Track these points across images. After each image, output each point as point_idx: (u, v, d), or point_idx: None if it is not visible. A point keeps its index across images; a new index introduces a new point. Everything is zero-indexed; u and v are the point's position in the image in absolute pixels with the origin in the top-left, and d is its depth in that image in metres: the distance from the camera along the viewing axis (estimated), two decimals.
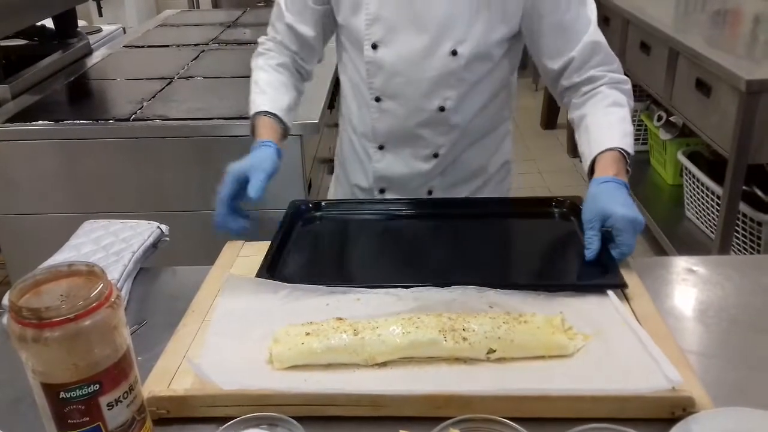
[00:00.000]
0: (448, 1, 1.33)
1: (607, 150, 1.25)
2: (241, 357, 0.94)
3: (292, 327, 0.96)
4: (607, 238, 1.16)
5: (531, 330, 0.95)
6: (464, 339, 0.92)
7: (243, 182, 1.23)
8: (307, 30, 1.45)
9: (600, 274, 1.12)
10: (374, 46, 1.37)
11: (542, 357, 0.94)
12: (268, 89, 1.42)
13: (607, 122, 1.30)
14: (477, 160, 1.52)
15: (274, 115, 1.39)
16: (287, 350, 0.93)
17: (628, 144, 1.26)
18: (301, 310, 1.01)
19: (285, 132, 1.41)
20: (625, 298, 1.06)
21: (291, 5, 1.45)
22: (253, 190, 1.20)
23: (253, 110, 1.41)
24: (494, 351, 0.93)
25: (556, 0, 1.32)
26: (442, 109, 1.40)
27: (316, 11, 1.44)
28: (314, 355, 0.92)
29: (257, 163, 1.25)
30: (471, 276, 1.10)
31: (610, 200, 1.17)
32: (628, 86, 1.37)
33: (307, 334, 0.94)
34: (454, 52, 1.35)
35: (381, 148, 1.49)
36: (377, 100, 1.43)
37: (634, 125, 1.34)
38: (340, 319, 0.97)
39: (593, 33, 1.35)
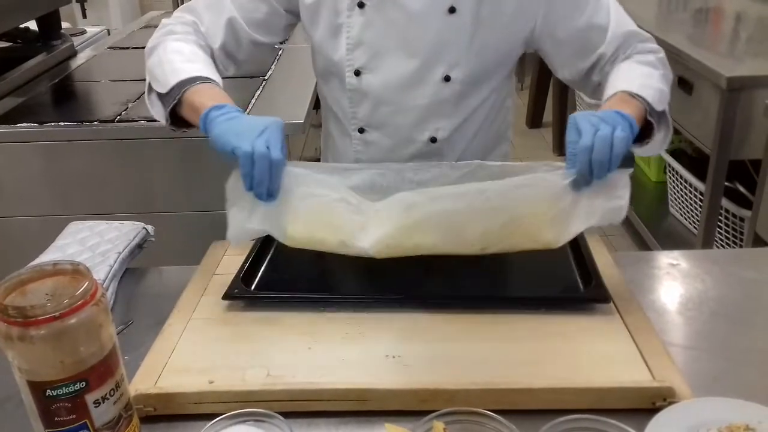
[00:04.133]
0: (442, 21, 1.19)
1: (618, 92, 1.11)
2: None
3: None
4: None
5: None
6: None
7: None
8: (252, 34, 1.27)
9: (585, 289, 1.09)
10: (357, 73, 1.24)
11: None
12: (198, 60, 1.18)
13: (626, 72, 1.17)
14: None
15: (217, 84, 1.15)
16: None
17: (649, 95, 1.10)
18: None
19: None
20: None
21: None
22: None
23: (182, 76, 1.14)
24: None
25: (572, 7, 1.21)
26: (433, 140, 1.28)
27: (275, 15, 1.27)
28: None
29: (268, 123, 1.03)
30: (456, 287, 1.12)
31: (581, 116, 1.02)
32: (662, 54, 1.23)
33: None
34: (446, 78, 1.22)
35: None
36: (361, 131, 1.30)
37: None
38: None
39: (622, 23, 1.22)
